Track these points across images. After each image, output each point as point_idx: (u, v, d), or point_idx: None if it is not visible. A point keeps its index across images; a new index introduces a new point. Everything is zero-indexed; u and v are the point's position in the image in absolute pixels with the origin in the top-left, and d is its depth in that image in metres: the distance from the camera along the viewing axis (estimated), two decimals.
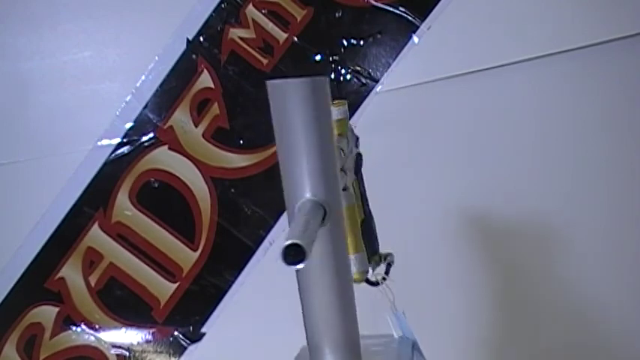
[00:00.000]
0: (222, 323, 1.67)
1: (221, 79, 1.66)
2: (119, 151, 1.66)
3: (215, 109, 1.66)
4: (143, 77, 1.65)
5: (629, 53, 1.65)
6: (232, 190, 1.66)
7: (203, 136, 1.66)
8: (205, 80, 1.66)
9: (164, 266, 1.66)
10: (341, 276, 0.80)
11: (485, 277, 1.65)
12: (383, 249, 1.03)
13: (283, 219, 1.65)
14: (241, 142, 1.66)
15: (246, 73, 1.66)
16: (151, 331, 1.68)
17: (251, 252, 1.64)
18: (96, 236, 1.66)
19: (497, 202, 1.65)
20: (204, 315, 1.67)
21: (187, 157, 1.65)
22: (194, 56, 1.66)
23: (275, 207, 1.65)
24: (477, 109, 1.66)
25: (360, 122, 1.60)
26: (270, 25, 1.66)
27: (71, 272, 1.66)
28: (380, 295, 0.99)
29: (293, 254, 0.62)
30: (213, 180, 1.64)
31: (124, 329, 1.69)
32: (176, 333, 1.68)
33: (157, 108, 1.66)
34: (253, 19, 1.66)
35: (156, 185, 1.66)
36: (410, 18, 1.64)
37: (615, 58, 1.65)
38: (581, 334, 1.69)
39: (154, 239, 1.66)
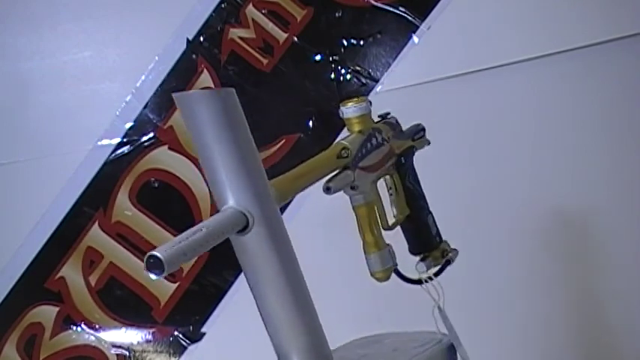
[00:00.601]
0: (222, 323, 1.67)
1: (221, 79, 1.66)
2: (119, 151, 1.66)
3: None
4: (143, 77, 1.65)
5: (628, 53, 1.66)
6: None
7: None
8: (205, 80, 1.66)
9: None
10: (287, 279, 0.79)
11: (485, 277, 1.66)
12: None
13: (283, 219, 1.64)
14: None
15: (246, 73, 1.66)
16: (151, 330, 1.69)
17: None
18: (96, 236, 1.66)
19: (497, 202, 1.65)
20: (204, 315, 1.67)
21: (187, 157, 1.65)
22: (194, 56, 1.66)
23: None
24: (476, 109, 1.66)
25: None
26: (270, 25, 1.66)
27: (71, 272, 1.67)
28: (428, 293, 0.96)
29: (152, 265, 0.67)
30: None
31: (124, 329, 1.69)
32: (176, 333, 1.68)
33: (157, 108, 1.66)
34: (253, 19, 1.66)
35: (156, 185, 1.66)
36: (410, 18, 1.64)
37: (615, 58, 1.65)
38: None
39: (154, 239, 1.66)
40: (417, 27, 1.64)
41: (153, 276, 0.68)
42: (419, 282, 0.97)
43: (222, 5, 1.65)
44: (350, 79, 1.66)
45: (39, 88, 1.66)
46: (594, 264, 1.68)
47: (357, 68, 1.66)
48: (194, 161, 1.65)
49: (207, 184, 0.77)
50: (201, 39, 1.65)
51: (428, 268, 0.98)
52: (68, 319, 1.68)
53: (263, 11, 1.66)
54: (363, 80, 1.66)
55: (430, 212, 1.02)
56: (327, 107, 1.66)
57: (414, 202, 1.00)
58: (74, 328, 1.68)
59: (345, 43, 1.66)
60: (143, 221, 1.66)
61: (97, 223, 1.66)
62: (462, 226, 1.63)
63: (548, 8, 1.64)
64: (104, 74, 1.66)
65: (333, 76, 1.66)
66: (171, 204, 1.66)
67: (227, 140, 0.74)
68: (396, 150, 0.97)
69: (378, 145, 0.94)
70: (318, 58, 1.66)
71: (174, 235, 0.72)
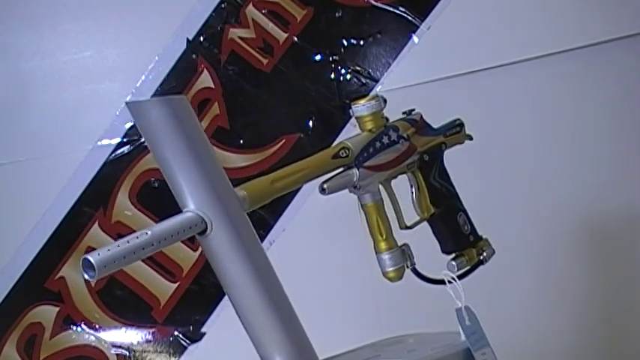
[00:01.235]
0: (222, 323, 1.67)
1: (221, 79, 1.66)
2: (119, 151, 1.66)
3: (215, 108, 1.66)
4: (143, 77, 1.65)
5: (627, 53, 1.66)
6: None
7: None
8: (205, 80, 1.66)
9: (164, 266, 1.66)
10: (253, 280, 0.80)
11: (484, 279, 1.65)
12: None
13: (283, 219, 1.65)
14: (241, 142, 1.66)
15: (246, 73, 1.66)
16: (151, 330, 1.68)
17: None
18: (96, 236, 1.66)
19: (496, 202, 1.65)
20: (204, 315, 1.67)
21: None
22: (194, 56, 1.66)
23: (275, 207, 1.65)
24: (476, 109, 1.66)
25: None
26: (270, 25, 1.66)
27: (71, 272, 1.66)
28: (450, 294, 0.94)
29: (87, 266, 0.69)
30: None
31: (124, 329, 1.69)
32: (176, 333, 1.68)
33: None
34: (253, 19, 1.66)
35: (156, 185, 1.66)
36: (410, 18, 1.64)
37: (614, 58, 1.65)
38: None
39: None
40: (417, 27, 1.64)
41: (86, 276, 0.70)
42: (441, 282, 0.95)
43: (222, 5, 1.65)
44: (350, 79, 1.66)
45: (39, 88, 1.66)
46: (594, 264, 1.68)
47: (357, 68, 1.66)
48: None
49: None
50: (201, 39, 1.65)
51: (459, 268, 0.96)
52: (68, 319, 1.68)
53: (263, 11, 1.66)
54: (363, 80, 1.66)
55: (462, 210, 1.00)
56: (327, 107, 1.66)
57: (441, 200, 0.98)
58: (74, 328, 1.68)
59: (345, 43, 1.66)
60: (143, 221, 1.65)
61: (97, 223, 1.66)
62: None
63: (547, 8, 1.64)
64: (104, 74, 1.66)
65: (333, 76, 1.66)
66: (171, 204, 1.66)
67: (181, 146, 0.75)
68: (419, 147, 0.96)
69: (391, 144, 0.92)
70: (318, 58, 1.66)
71: None
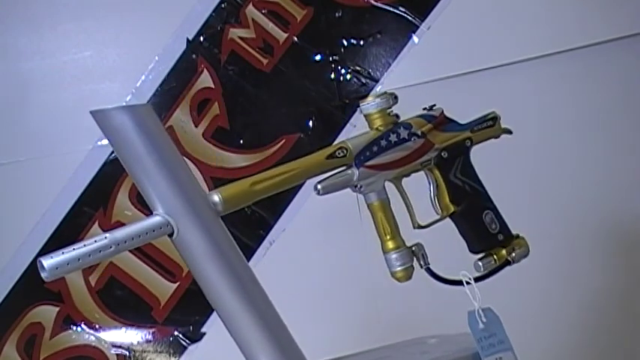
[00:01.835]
0: (222, 323, 1.67)
1: (221, 79, 1.66)
2: None
3: (215, 109, 1.66)
4: (143, 77, 1.65)
5: (627, 53, 1.66)
6: None
7: (203, 135, 1.66)
8: (205, 80, 1.66)
9: (164, 266, 1.66)
10: (226, 281, 0.81)
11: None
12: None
13: (283, 219, 1.65)
14: (241, 142, 1.66)
15: (246, 73, 1.66)
16: (151, 330, 1.69)
17: (251, 252, 1.64)
18: (96, 236, 1.66)
19: (495, 203, 1.65)
20: (204, 315, 1.67)
21: (187, 157, 1.65)
22: (194, 56, 1.66)
23: (275, 207, 1.65)
24: (476, 109, 1.66)
25: (360, 122, 1.60)
26: (270, 25, 1.66)
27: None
28: (468, 295, 0.90)
29: (42, 268, 0.72)
30: (213, 180, 1.65)
31: (124, 329, 1.69)
32: (176, 333, 1.68)
33: (157, 108, 1.66)
34: (253, 19, 1.66)
35: None
36: (410, 18, 1.64)
37: (614, 58, 1.65)
38: None
39: None
40: (417, 27, 1.64)
41: (43, 275, 0.72)
42: (458, 283, 0.92)
43: (222, 5, 1.65)
44: (350, 79, 1.66)
45: (39, 88, 1.66)
46: (594, 265, 1.68)
47: (357, 68, 1.66)
48: (194, 161, 1.65)
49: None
50: (201, 39, 1.65)
51: (485, 269, 0.94)
52: (68, 319, 1.68)
53: (263, 11, 1.66)
54: (363, 80, 1.66)
55: (490, 209, 0.98)
56: (327, 107, 1.66)
57: (462, 198, 0.96)
58: (74, 328, 1.68)
59: (345, 43, 1.66)
60: None
61: (97, 223, 1.66)
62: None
63: (547, 8, 1.64)
64: (104, 74, 1.66)
65: (333, 76, 1.66)
66: None
67: (144, 152, 0.77)
68: (437, 144, 0.93)
69: (399, 142, 0.90)
70: (318, 58, 1.66)
71: None
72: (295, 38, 1.66)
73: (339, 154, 0.87)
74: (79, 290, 1.67)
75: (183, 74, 1.66)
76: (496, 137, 1.02)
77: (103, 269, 1.67)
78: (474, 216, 0.96)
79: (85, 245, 0.74)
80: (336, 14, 1.66)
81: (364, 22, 1.66)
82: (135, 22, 1.66)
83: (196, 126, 1.66)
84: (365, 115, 0.92)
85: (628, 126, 1.69)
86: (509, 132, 1.03)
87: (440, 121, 0.96)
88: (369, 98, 0.91)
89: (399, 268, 0.90)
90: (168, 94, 1.66)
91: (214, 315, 1.67)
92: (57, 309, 1.67)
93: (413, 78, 1.64)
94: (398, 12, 1.64)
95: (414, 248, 0.91)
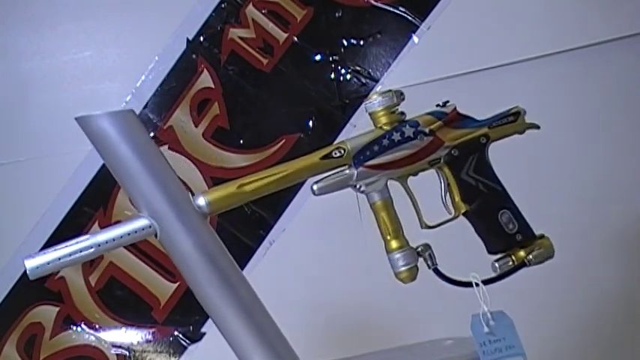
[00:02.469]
0: None
1: (221, 79, 1.66)
2: None
3: (215, 108, 1.66)
4: (143, 77, 1.65)
5: (627, 53, 1.66)
6: None
7: (203, 135, 1.66)
8: (205, 80, 1.66)
9: (164, 266, 1.66)
10: (209, 280, 0.83)
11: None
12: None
13: (283, 219, 1.65)
14: (241, 142, 1.66)
15: (246, 73, 1.66)
16: (151, 330, 1.68)
17: (251, 252, 1.64)
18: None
19: None
20: (204, 315, 1.66)
21: (187, 157, 1.65)
22: (194, 56, 1.66)
23: (275, 207, 1.65)
24: (476, 109, 1.66)
25: (360, 122, 1.60)
26: (270, 25, 1.66)
27: (71, 272, 1.66)
28: (479, 297, 0.88)
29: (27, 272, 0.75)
30: (213, 180, 1.65)
31: (124, 329, 1.69)
32: (176, 333, 1.68)
33: (157, 108, 1.66)
34: (253, 19, 1.66)
35: None
36: (410, 18, 1.64)
37: (614, 58, 1.65)
38: None
39: (153, 239, 1.66)
40: (417, 27, 1.64)
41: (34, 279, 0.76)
42: (468, 284, 0.89)
43: (222, 5, 1.65)
44: (350, 79, 1.66)
45: (39, 88, 1.66)
46: (594, 265, 1.68)
47: (357, 68, 1.66)
48: (194, 161, 1.65)
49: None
50: (201, 39, 1.65)
51: (501, 270, 0.91)
52: (68, 319, 1.68)
53: (263, 11, 1.66)
54: (363, 80, 1.66)
55: (508, 208, 0.94)
56: (327, 107, 1.66)
57: (475, 197, 0.93)
58: (74, 328, 1.68)
59: (345, 43, 1.66)
60: None
61: (97, 223, 1.66)
62: (459, 227, 1.63)
63: (547, 8, 1.64)
64: (104, 74, 1.66)
65: (333, 76, 1.66)
66: None
67: (127, 156, 0.81)
68: (447, 141, 0.91)
69: (404, 140, 0.88)
70: (318, 58, 1.66)
71: None
72: (295, 38, 1.66)
73: (335, 154, 0.86)
74: (79, 290, 1.67)
75: (183, 74, 1.66)
76: (520, 133, 0.99)
77: (103, 269, 1.67)
78: (489, 215, 0.93)
79: (66, 245, 0.77)
80: (336, 14, 1.66)
81: (364, 22, 1.66)
82: (135, 22, 1.66)
83: (196, 126, 1.66)
84: (370, 114, 0.90)
85: (628, 126, 1.69)
86: (537, 127, 1.00)
87: (451, 118, 0.94)
88: (374, 96, 0.90)
89: (402, 269, 0.88)
90: (168, 94, 1.66)
91: None
92: (57, 309, 1.67)
93: (413, 78, 1.64)
94: (398, 12, 1.64)
95: (420, 249, 0.89)
